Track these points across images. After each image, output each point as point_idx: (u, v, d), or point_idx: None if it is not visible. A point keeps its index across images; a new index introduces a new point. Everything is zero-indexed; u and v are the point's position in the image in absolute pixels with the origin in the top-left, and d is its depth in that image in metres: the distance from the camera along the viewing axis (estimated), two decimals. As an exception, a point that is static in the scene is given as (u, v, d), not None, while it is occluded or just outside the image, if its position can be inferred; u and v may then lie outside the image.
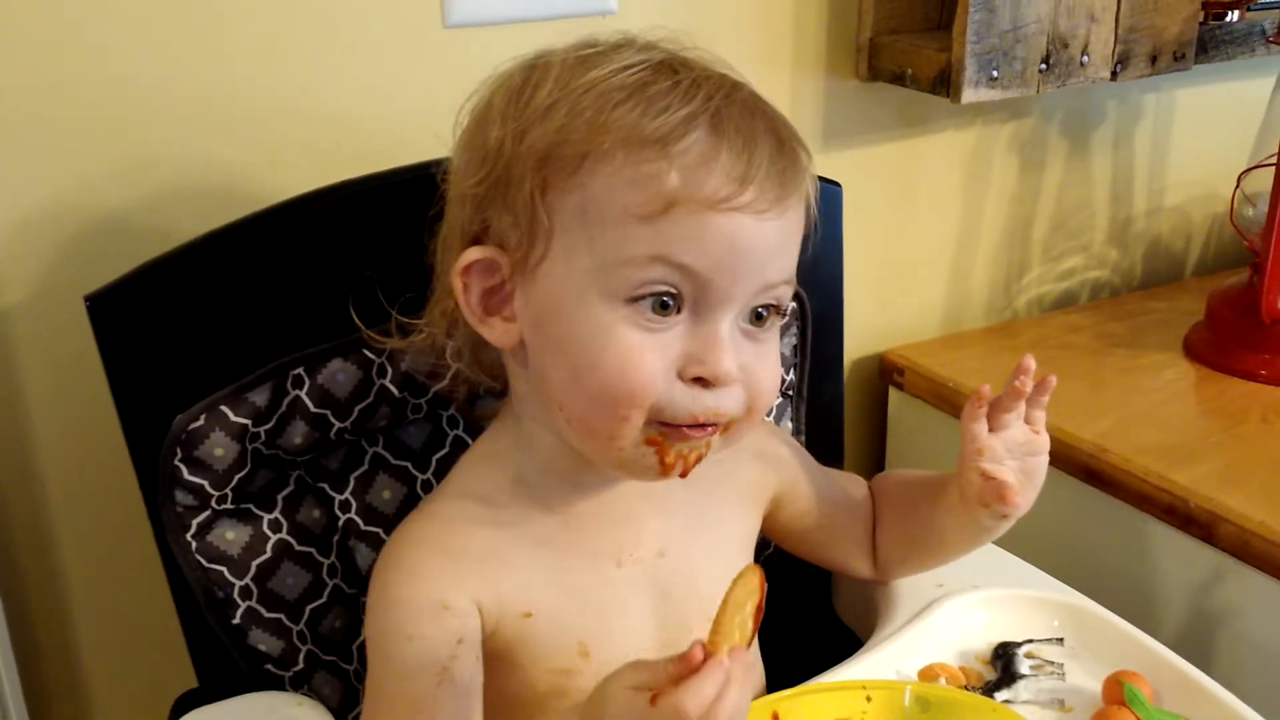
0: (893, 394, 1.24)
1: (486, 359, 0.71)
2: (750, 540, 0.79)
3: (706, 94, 0.61)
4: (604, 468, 0.66)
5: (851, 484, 0.84)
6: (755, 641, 0.78)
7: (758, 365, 0.64)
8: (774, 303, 0.64)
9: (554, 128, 0.61)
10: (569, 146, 0.61)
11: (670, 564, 0.73)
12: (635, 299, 0.61)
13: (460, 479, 0.72)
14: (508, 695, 0.69)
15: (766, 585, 0.57)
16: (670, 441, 0.63)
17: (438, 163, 0.70)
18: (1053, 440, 0.74)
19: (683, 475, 0.65)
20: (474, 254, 0.64)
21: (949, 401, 1.16)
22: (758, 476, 0.79)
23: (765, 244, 0.62)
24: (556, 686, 0.69)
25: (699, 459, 0.65)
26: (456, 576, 0.67)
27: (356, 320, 0.72)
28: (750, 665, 0.73)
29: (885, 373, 1.24)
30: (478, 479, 0.71)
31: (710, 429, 0.63)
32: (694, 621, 0.73)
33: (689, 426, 0.63)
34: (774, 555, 0.89)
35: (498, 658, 0.68)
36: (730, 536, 0.77)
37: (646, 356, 0.61)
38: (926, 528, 0.78)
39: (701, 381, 0.62)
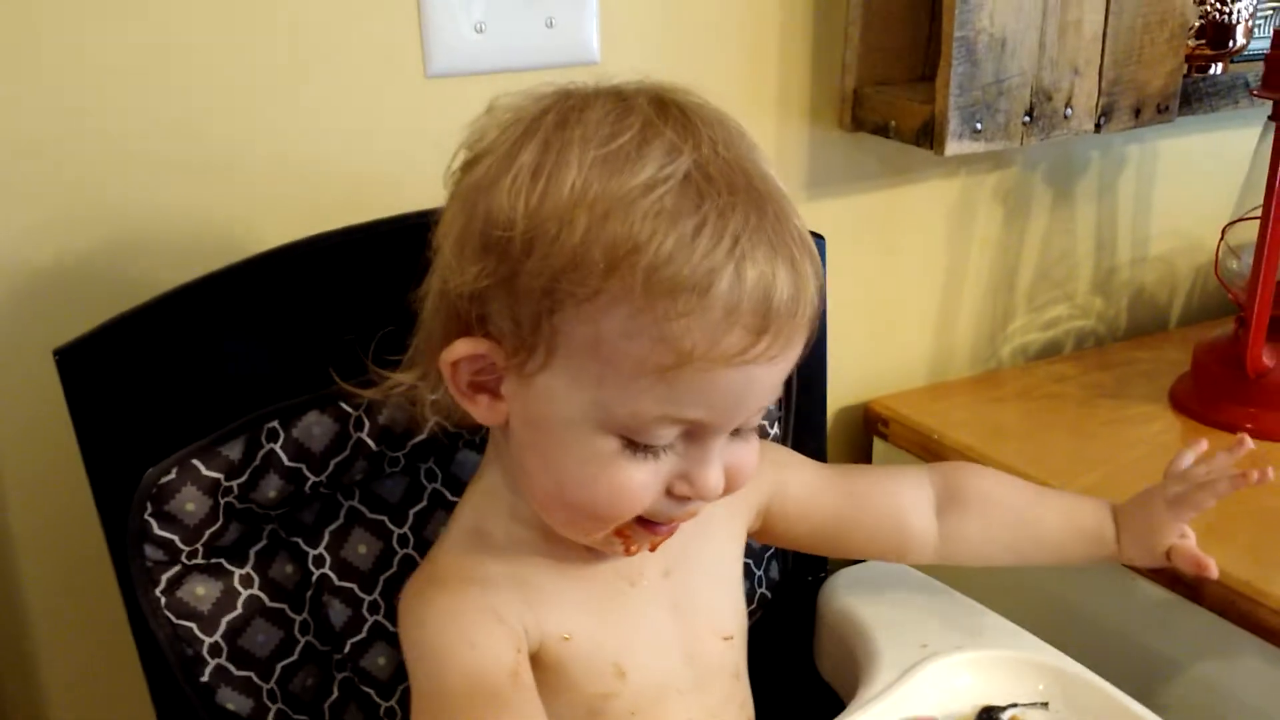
0: (877, 445, 1.23)
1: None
2: (739, 551, 0.79)
3: (734, 233, 0.56)
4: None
5: (882, 474, 0.84)
6: (745, 680, 0.79)
7: (739, 459, 0.64)
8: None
9: (570, 246, 0.56)
10: (585, 274, 0.56)
11: (675, 582, 0.73)
12: (635, 444, 0.60)
13: (465, 515, 0.71)
14: None
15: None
16: (638, 536, 0.64)
17: (421, 214, 0.69)
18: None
19: (651, 550, 0.67)
20: (467, 347, 0.62)
21: (934, 453, 1.15)
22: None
23: (771, 382, 0.61)
24: (595, 711, 0.68)
25: (669, 534, 0.66)
26: (495, 598, 0.66)
27: (335, 376, 0.71)
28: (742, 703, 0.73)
29: (870, 423, 1.23)
30: (483, 515, 0.70)
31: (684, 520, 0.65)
32: (705, 636, 0.73)
33: (664, 525, 0.64)
34: (757, 611, 0.88)
35: (538, 685, 0.65)
36: (722, 551, 0.77)
37: (638, 485, 0.61)
38: (1042, 547, 0.82)
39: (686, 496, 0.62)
